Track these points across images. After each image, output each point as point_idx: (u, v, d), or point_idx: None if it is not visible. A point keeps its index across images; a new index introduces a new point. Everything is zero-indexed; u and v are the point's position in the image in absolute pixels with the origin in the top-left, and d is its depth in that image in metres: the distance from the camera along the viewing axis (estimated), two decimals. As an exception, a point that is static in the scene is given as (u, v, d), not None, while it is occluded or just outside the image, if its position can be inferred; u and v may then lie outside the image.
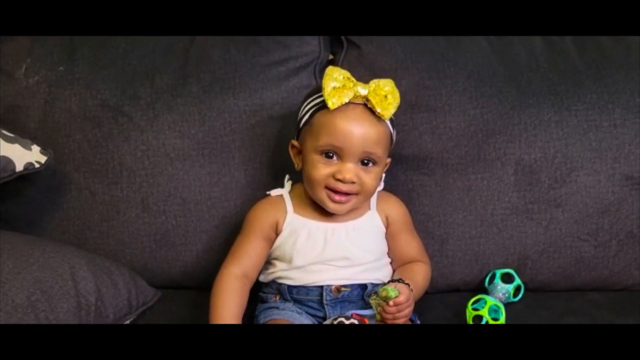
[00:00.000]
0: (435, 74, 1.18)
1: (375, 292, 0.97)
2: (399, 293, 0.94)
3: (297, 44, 1.21)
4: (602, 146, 1.16)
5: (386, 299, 0.94)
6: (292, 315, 1.01)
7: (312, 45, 1.22)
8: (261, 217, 1.04)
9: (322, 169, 0.99)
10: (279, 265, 1.04)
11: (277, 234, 1.04)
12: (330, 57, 1.26)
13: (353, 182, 0.98)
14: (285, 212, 1.04)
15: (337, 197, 0.99)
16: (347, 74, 0.99)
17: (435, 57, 1.19)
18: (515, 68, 1.20)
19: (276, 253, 1.04)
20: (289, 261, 1.02)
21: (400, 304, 0.94)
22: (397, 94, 1.00)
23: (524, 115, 1.16)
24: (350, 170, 0.98)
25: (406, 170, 1.17)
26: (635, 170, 1.16)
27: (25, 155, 1.06)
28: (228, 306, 0.98)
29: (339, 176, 0.98)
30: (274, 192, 1.07)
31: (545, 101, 1.17)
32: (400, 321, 0.96)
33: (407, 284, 0.99)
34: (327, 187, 0.99)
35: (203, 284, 1.16)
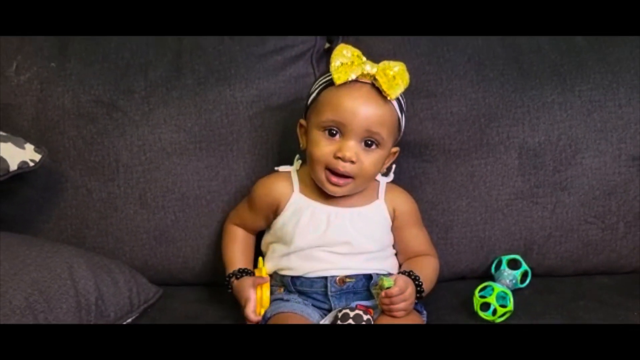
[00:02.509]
0: (435, 59, 1.16)
1: (376, 282, 0.96)
2: (394, 285, 0.93)
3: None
4: (607, 127, 1.14)
5: (381, 289, 0.93)
6: (299, 307, 0.99)
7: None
8: (264, 192, 1.05)
9: (323, 147, 0.98)
10: (278, 249, 1.03)
11: (276, 215, 1.03)
12: (327, 45, 1.24)
13: (353, 162, 0.97)
14: (291, 190, 1.03)
15: (334, 179, 0.98)
16: (357, 51, 0.99)
17: (434, 41, 1.18)
18: (516, 49, 1.18)
19: (278, 234, 1.03)
20: (290, 243, 1.01)
21: (392, 296, 0.93)
22: (406, 76, 0.99)
23: (526, 97, 1.15)
24: (350, 148, 0.97)
25: (408, 157, 1.15)
26: (642, 150, 1.14)
27: (19, 154, 1.04)
28: (235, 248, 1.07)
29: (339, 154, 0.97)
30: (282, 168, 1.06)
31: (547, 82, 1.15)
32: (398, 314, 0.94)
33: (416, 276, 0.98)
34: (327, 168, 0.98)
35: (205, 280, 1.15)
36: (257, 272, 1.05)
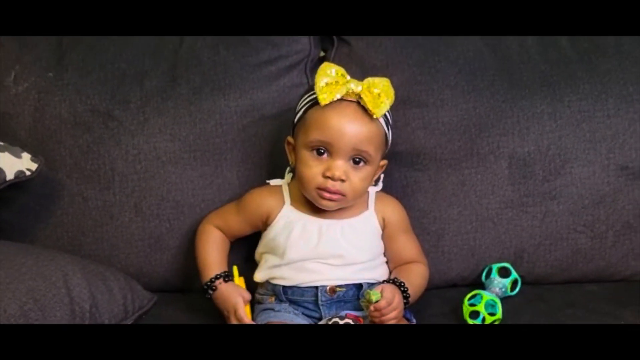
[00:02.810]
0: (427, 69, 1.18)
1: (363, 295, 0.97)
2: (381, 297, 0.94)
3: (287, 43, 1.21)
4: (596, 137, 1.16)
5: (369, 302, 0.94)
6: (289, 317, 1.01)
7: (302, 43, 1.22)
8: (254, 204, 1.06)
9: (312, 168, 0.99)
10: (271, 260, 1.04)
11: (266, 225, 1.05)
12: (322, 54, 1.25)
13: (342, 180, 0.98)
14: (282, 203, 1.05)
15: (327, 195, 1.00)
16: (342, 70, 0.99)
17: (426, 52, 1.19)
18: (507, 60, 1.19)
19: (270, 245, 1.04)
20: (282, 255, 1.02)
21: (381, 309, 0.94)
22: (391, 93, 1.00)
23: (516, 108, 1.16)
24: (339, 167, 0.98)
25: (400, 166, 1.17)
26: (630, 160, 1.16)
27: (15, 164, 1.05)
28: (216, 250, 1.07)
29: (328, 173, 0.98)
30: (273, 182, 1.08)
31: (537, 93, 1.17)
32: (390, 323, 0.96)
33: (401, 282, 0.99)
34: (318, 188, 0.99)
35: (199, 287, 1.16)
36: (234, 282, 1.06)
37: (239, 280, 1.05)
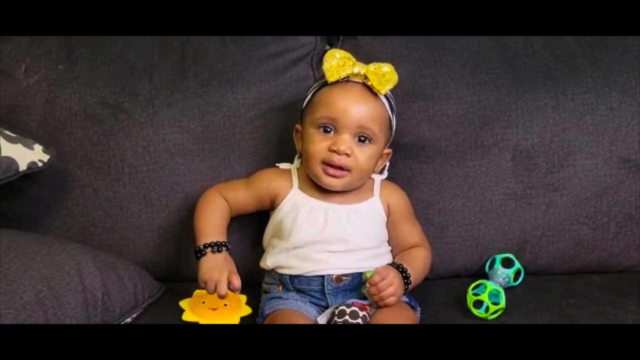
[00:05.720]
0: (432, 62, 1.19)
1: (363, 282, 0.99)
2: (375, 273, 0.96)
3: (293, 37, 1.22)
4: (599, 129, 1.17)
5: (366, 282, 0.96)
6: (297, 304, 1.02)
7: (309, 37, 1.23)
8: (265, 181, 1.08)
9: (318, 143, 1.02)
10: (278, 245, 1.05)
11: (274, 206, 1.07)
12: (327, 47, 1.26)
13: (348, 155, 1.01)
14: (290, 186, 1.07)
15: (331, 171, 1.02)
16: (348, 54, 1.04)
17: (431, 45, 1.20)
18: (511, 54, 1.20)
19: (277, 229, 1.06)
20: (288, 238, 1.03)
21: (376, 284, 0.96)
22: (395, 75, 1.04)
23: (520, 101, 1.17)
24: (345, 141, 1.01)
25: (405, 158, 1.18)
26: (633, 152, 1.17)
27: (28, 155, 1.07)
28: (219, 218, 1.06)
29: (334, 147, 1.01)
30: (283, 166, 1.10)
31: (541, 86, 1.18)
32: (389, 300, 0.97)
33: (399, 264, 1.01)
34: (323, 162, 1.02)
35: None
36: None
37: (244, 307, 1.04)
